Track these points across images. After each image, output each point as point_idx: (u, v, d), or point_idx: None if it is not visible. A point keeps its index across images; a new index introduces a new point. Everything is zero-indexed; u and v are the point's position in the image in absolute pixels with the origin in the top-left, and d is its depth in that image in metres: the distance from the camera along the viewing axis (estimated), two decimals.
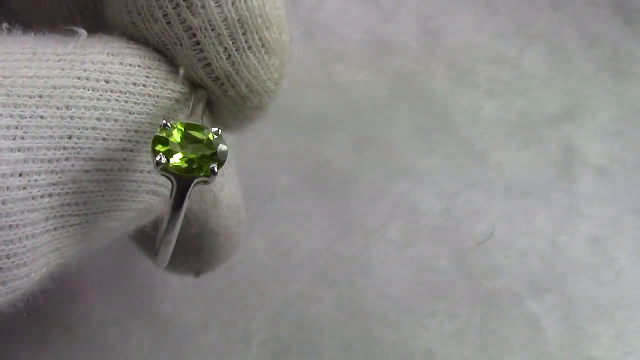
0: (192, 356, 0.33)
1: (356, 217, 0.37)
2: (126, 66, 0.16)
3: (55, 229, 0.15)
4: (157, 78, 0.17)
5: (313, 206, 0.37)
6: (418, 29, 0.44)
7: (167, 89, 0.17)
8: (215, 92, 0.18)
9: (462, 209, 0.38)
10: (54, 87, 0.15)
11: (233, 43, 0.17)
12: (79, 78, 0.15)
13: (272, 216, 0.36)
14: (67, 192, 0.15)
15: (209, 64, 0.17)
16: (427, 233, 0.37)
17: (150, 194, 0.17)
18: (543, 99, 0.43)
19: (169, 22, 0.16)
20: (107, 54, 0.16)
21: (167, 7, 0.16)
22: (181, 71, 0.17)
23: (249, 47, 0.17)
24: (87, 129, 0.15)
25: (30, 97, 0.14)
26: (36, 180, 0.14)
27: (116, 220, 0.17)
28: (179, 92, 0.17)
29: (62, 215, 0.15)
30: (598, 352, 0.35)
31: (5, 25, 0.16)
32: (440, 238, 0.37)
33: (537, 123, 0.42)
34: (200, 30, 0.16)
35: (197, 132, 0.15)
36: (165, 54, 0.17)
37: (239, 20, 0.17)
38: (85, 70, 0.15)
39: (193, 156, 0.15)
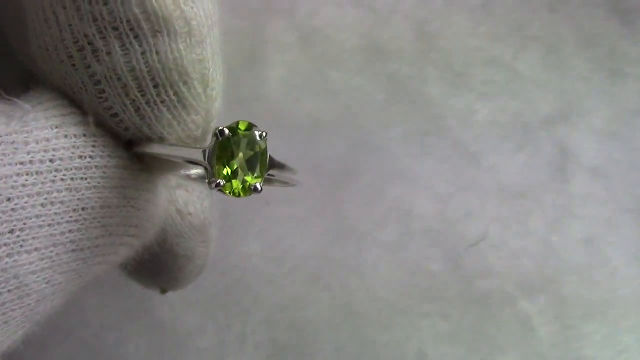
0: (189, 359, 0.33)
1: (350, 221, 0.38)
2: (71, 138, 0.15)
3: None
4: (103, 147, 0.15)
5: (307, 210, 0.38)
6: (413, 33, 0.45)
7: (114, 157, 0.16)
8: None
9: (456, 211, 0.39)
10: None
11: (142, 96, 0.15)
12: (22, 164, 0.14)
13: (267, 221, 0.37)
14: (9, 290, 0.14)
15: (116, 114, 0.16)
16: (420, 235, 0.38)
17: (98, 265, 0.16)
18: (538, 101, 0.43)
19: (73, 65, 0.15)
20: (51, 126, 0.15)
21: (71, 48, 0.15)
22: (90, 119, 0.16)
23: (162, 101, 0.16)
24: (31, 219, 0.14)
25: None
26: None
27: (61, 299, 0.16)
28: (128, 158, 0.16)
29: (3, 313, 0.14)
30: (590, 351, 0.36)
31: None
32: (433, 240, 0.38)
33: (531, 125, 0.42)
34: (105, 78, 0.15)
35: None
36: (70, 98, 0.16)
37: (149, 72, 0.15)
38: (29, 153, 0.14)
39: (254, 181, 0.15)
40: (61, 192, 0.14)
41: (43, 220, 0.14)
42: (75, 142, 0.15)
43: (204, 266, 0.24)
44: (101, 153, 0.15)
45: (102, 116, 0.16)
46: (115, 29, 0.15)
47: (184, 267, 0.23)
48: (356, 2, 0.46)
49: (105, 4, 0.14)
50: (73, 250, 0.15)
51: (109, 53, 0.15)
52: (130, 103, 0.15)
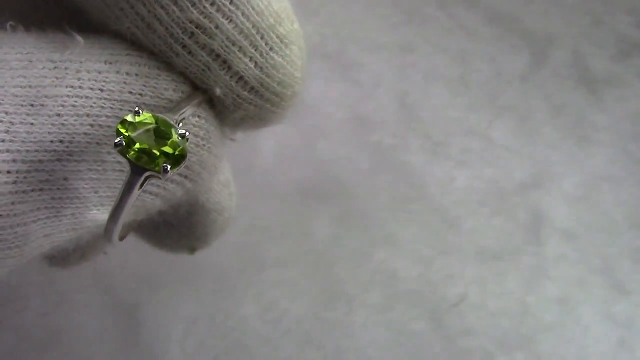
0: None
1: (340, 284, 0.40)
2: (123, 75, 0.16)
3: (47, 218, 0.16)
4: (154, 88, 0.17)
5: (300, 275, 0.40)
6: (395, 105, 0.48)
7: (164, 99, 0.17)
8: (253, 101, 0.18)
9: (438, 274, 0.41)
10: (46, 97, 0.15)
11: (255, 50, 0.17)
12: (72, 87, 0.15)
13: (263, 285, 0.40)
14: (59, 188, 0.16)
15: (241, 77, 0.18)
16: (405, 297, 0.40)
17: (143, 194, 0.18)
18: (512, 168, 0.46)
19: (190, 52, 0.17)
20: (105, 61, 0.16)
21: (183, 38, 0.17)
22: (218, 91, 0.18)
23: (271, 48, 0.18)
24: (79, 134, 0.16)
25: (21, 105, 0.15)
26: (25, 177, 0.15)
27: (103, 214, 0.18)
28: (176, 101, 0.18)
29: (53, 207, 0.16)
30: None
31: (10, 24, 0.16)
32: (417, 301, 0.40)
33: (506, 191, 0.45)
34: (223, 49, 0.17)
35: (165, 128, 0.15)
36: (191, 79, 0.18)
37: (253, 27, 0.17)
38: (79, 79, 0.16)
39: (153, 150, 0.15)
40: (109, 117, 0.16)
41: (91, 139, 0.16)
42: (126, 79, 0.16)
43: (231, 219, 0.26)
44: (151, 93, 0.17)
45: (229, 86, 0.18)
46: (212, 3, 0.16)
47: (214, 222, 0.24)
48: (342, 77, 0.49)
49: None
50: (120, 171, 0.17)
51: (217, 27, 0.16)
52: (249, 61, 0.17)
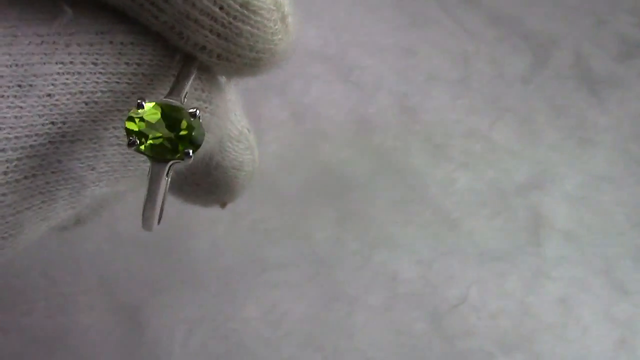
0: None
1: (341, 286, 0.41)
2: (117, 45, 0.15)
3: (42, 203, 0.15)
4: (152, 56, 0.16)
5: (301, 276, 0.41)
6: (396, 108, 0.48)
7: (163, 67, 0.16)
8: (228, 65, 0.17)
9: (438, 275, 0.42)
10: (35, 76, 0.14)
11: (215, 21, 0.16)
12: (62, 63, 0.14)
13: (265, 287, 0.40)
14: (53, 172, 0.15)
15: (204, 47, 0.17)
16: (405, 298, 0.41)
17: (144, 162, 0.17)
18: (513, 169, 0.46)
19: (146, 20, 0.16)
20: (96, 32, 0.15)
21: (134, 8, 0.15)
22: (177, 57, 0.17)
23: (234, 18, 0.16)
24: (72, 114, 0.15)
25: (8, 87, 0.14)
26: (16, 166, 0.14)
27: (108, 187, 0.17)
28: (175, 68, 0.17)
29: (48, 191, 0.15)
30: None
31: None
32: (417, 303, 0.41)
33: (507, 192, 0.45)
34: (175, 21, 0.16)
35: (173, 113, 0.15)
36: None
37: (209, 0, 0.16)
38: (69, 54, 0.15)
39: (168, 136, 0.15)
40: (105, 93, 0.15)
41: (86, 117, 0.15)
42: (121, 50, 0.15)
43: (254, 172, 0.25)
44: (149, 62, 0.16)
45: (193, 54, 0.17)
46: None
47: (235, 178, 0.24)
48: (344, 79, 0.49)
49: None
50: (118, 145, 0.16)
51: (166, 1, 0.15)
52: (210, 32, 0.16)
